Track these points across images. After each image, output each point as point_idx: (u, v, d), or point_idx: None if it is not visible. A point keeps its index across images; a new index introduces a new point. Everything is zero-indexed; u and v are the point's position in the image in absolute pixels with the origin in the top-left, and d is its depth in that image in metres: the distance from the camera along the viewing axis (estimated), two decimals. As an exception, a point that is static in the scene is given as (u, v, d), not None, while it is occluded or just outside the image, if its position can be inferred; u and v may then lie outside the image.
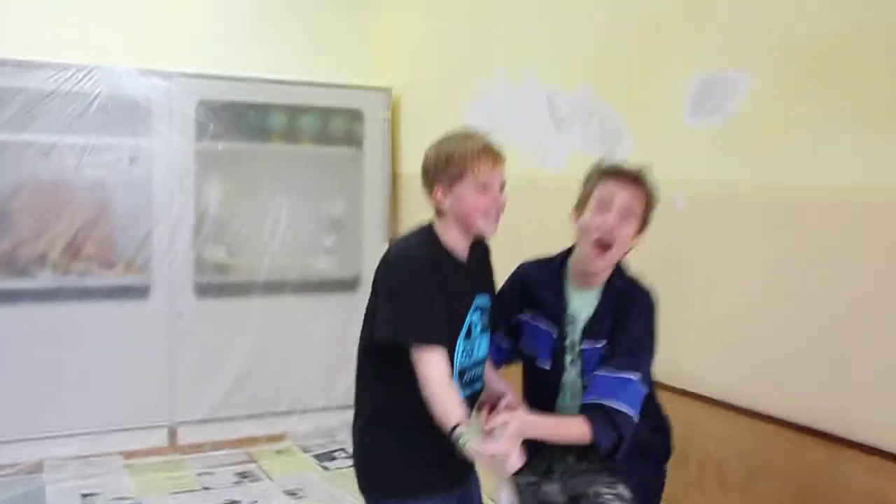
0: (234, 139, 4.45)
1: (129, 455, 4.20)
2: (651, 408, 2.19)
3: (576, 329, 2.14)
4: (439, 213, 2.01)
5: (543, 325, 2.19)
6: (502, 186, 2.01)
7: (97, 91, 4.08)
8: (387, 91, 4.82)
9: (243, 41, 4.74)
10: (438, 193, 1.97)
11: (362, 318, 2.11)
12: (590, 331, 2.12)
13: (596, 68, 3.29)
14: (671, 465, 2.76)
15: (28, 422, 4.01)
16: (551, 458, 2.23)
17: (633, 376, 2.01)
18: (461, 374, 2.02)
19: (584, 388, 2.10)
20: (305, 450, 4.48)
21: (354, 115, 4.78)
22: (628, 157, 3.11)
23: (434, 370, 1.87)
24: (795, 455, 2.41)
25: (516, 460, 1.76)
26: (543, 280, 2.21)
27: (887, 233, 2.20)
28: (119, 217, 4.36)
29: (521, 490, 2.28)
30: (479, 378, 2.12)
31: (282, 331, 4.56)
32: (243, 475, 4.13)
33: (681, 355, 2.83)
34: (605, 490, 2.11)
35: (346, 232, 4.87)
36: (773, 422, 2.49)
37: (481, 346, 2.08)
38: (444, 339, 1.91)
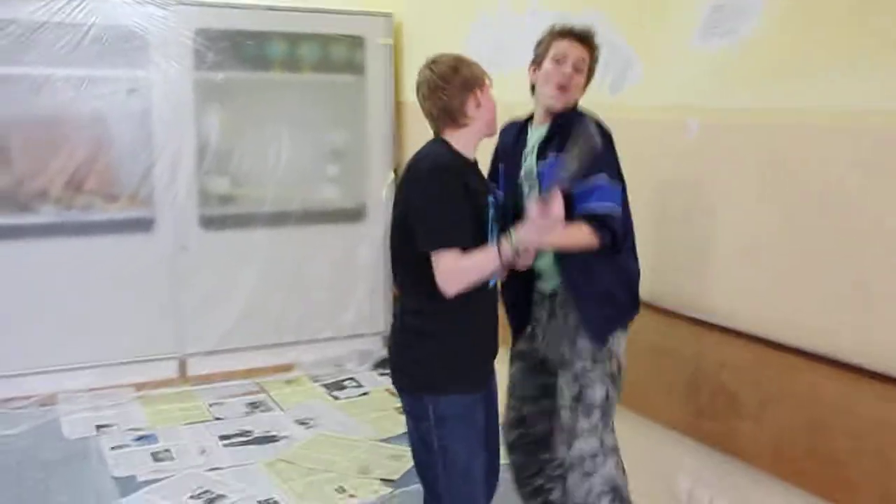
0: (233, 68, 4.37)
1: (140, 387, 4.26)
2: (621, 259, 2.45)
3: (532, 156, 2.48)
4: (455, 126, 2.20)
5: (502, 165, 2.57)
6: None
7: (91, 21, 3.99)
8: (388, 16, 4.72)
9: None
10: (462, 110, 2.19)
11: (390, 232, 2.26)
12: (541, 151, 2.44)
13: (603, -9, 3.20)
14: (683, 394, 2.80)
15: (40, 355, 4.05)
16: (534, 324, 2.59)
17: (600, 177, 2.30)
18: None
19: None
20: (314, 379, 4.54)
21: (355, 42, 4.68)
22: (637, 83, 3.08)
23: (454, 258, 2.08)
24: (808, 383, 2.42)
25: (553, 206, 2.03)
26: (509, 133, 2.59)
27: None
28: (120, 150, 4.31)
29: (520, 354, 2.66)
30: None
31: (287, 261, 4.56)
32: (254, 405, 4.19)
33: (691, 282, 2.83)
34: (567, 349, 2.46)
35: (350, 161, 4.82)
36: (786, 350, 2.49)
37: (495, 236, 2.24)
38: (468, 242, 2.11)
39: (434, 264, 2.08)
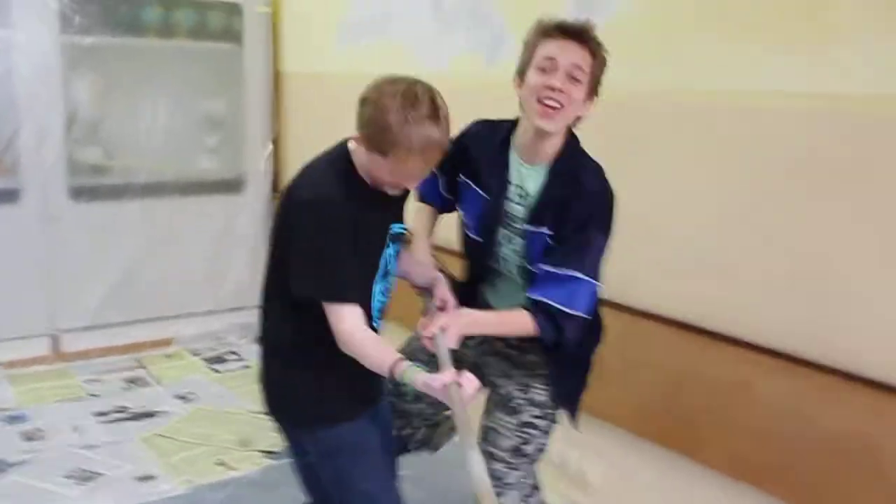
0: (103, 33, 4.19)
1: (9, 365, 4.09)
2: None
3: (520, 207, 2.03)
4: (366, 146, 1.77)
5: (478, 194, 2.08)
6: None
7: (-56, -23, 3.76)
8: (266, -17, 4.64)
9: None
10: (356, 137, 1.79)
11: (269, 239, 1.94)
12: (534, 214, 1.99)
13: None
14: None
15: None
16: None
17: (578, 273, 1.92)
18: (381, 311, 1.96)
19: (526, 270, 2.04)
20: (195, 353, 4.48)
21: (233, 10, 4.57)
22: (512, 58, 3.15)
23: (350, 325, 1.78)
24: (668, 348, 2.58)
25: (471, 383, 1.69)
26: (486, 147, 2.08)
27: (774, 138, 2.32)
28: (-20, 116, 4.10)
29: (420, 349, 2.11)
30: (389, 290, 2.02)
31: (165, 233, 4.46)
32: (132, 381, 4.11)
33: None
34: (517, 393, 2.14)
35: (228, 131, 4.73)
36: (648, 317, 2.64)
37: (387, 281, 1.97)
38: (357, 295, 1.82)
39: (329, 316, 1.79)
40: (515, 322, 1.98)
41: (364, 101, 1.75)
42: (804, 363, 2.22)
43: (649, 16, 2.59)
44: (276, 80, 4.76)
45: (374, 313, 1.92)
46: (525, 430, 2.13)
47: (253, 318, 4.73)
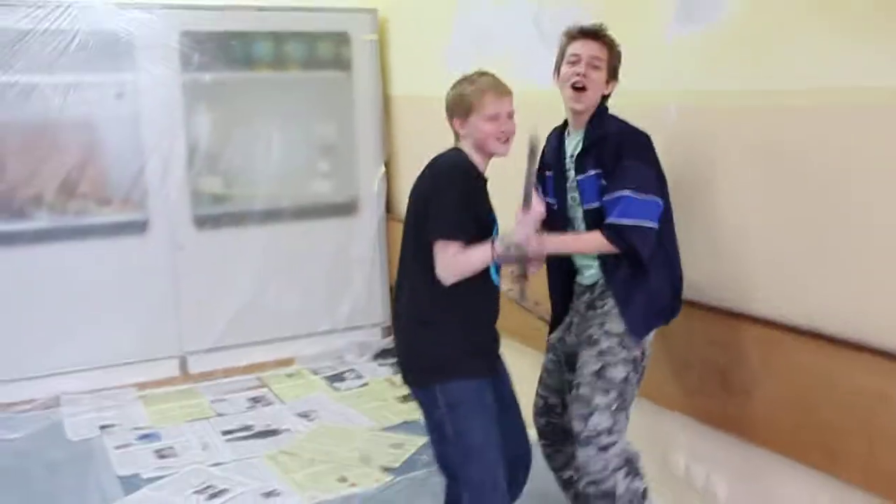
0: (220, 69, 4.41)
1: (142, 386, 4.31)
2: (664, 258, 2.47)
3: (572, 166, 2.52)
4: (457, 138, 2.38)
5: (549, 173, 2.60)
6: (510, 115, 2.34)
7: (76, 27, 4.03)
8: (372, 12, 4.75)
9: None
10: (457, 125, 2.35)
11: (403, 228, 2.41)
12: (579, 162, 2.48)
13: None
14: (673, 372, 2.84)
15: (41, 359, 4.10)
16: (572, 315, 2.65)
17: (625, 192, 2.34)
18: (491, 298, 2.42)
19: (588, 214, 2.48)
20: (315, 372, 4.58)
21: (341, 39, 4.72)
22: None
23: (452, 251, 2.23)
24: (796, 358, 2.46)
25: (537, 203, 2.32)
26: (551, 139, 2.63)
27: (881, 135, 2.21)
28: (111, 154, 4.36)
29: (552, 346, 2.72)
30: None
31: (282, 257, 4.61)
32: (256, 400, 4.24)
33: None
34: (595, 329, 2.49)
35: (341, 156, 4.86)
36: (773, 326, 2.53)
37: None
38: (468, 239, 2.25)
39: (435, 253, 2.24)
40: (588, 239, 2.43)
41: (446, 106, 2.39)
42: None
43: (755, 19, 2.52)
44: (386, 103, 4.85)
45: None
46: (604, 356, 2.45)
47: (371, 336, 4.90)
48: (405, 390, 2.43)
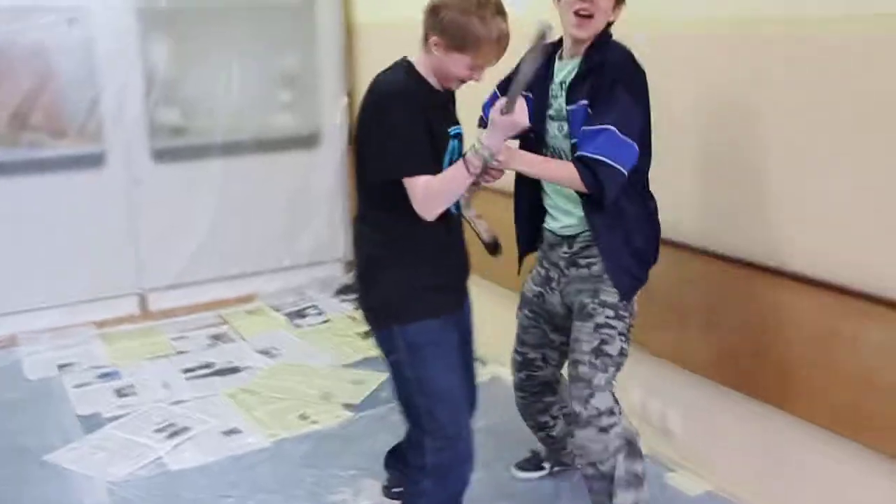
0: (177, -5, 4.24)
1: (101, 325, 4.25)
2: (648, 212, 2.33)
3: (561, 98, 2.28)
4: (424, 50, 2.11)
5: (529, 98, 2.23)
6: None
7: (26, -51, 3.84)
8: (335, -66, 4.57)
9: None
10: (434, 45, 2.06)
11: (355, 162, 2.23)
12: (570, 91, 2.25)
13: None
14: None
15: (-3, 298, 4.02)
16: (548, 267, 2.46)
17: (608, 126, 2.11)
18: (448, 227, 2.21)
19: (573, 148, 2.23)
20: (276, 309, 4.55)
21: (303, -37, 4.55)
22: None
23: (424, 181, 2.03)
24: (752, 293, 2.46)
25: (521, 109, 2.02)
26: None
27: (856, 66, 2.16)
28: (64, 83, 4.19)
29: (528, 300, 2.53)
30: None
31: (244, 191, 4.52)
32: (216, 337, 4.20)
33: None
34: (588, 300, 2.31)
35: (303, 87, 4.73)
36: (728, 261, 2.53)
37: None
38: (431, 170, 2.07)
39: (409, 191, 2.04)
40: (559, 167, 2.22)
41: (437, 9, 2.04)
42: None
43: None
44: (349, 32, 4.71)
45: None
46: (602, 330, 2.28)
47: (333, 271, 4.86)
48: (367, 326, 2.31)
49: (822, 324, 2.27)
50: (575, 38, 2.24)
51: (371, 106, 2.12)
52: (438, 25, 2.03)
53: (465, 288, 2.34)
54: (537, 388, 2.63)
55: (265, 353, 3.97)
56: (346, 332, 4.19)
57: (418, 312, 2.17)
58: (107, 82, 4.15)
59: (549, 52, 2.28)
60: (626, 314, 2.31)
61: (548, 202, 2.41)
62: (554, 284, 2.44)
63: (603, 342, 2.28)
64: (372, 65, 4.65)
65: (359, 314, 2.43)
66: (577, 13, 2.18)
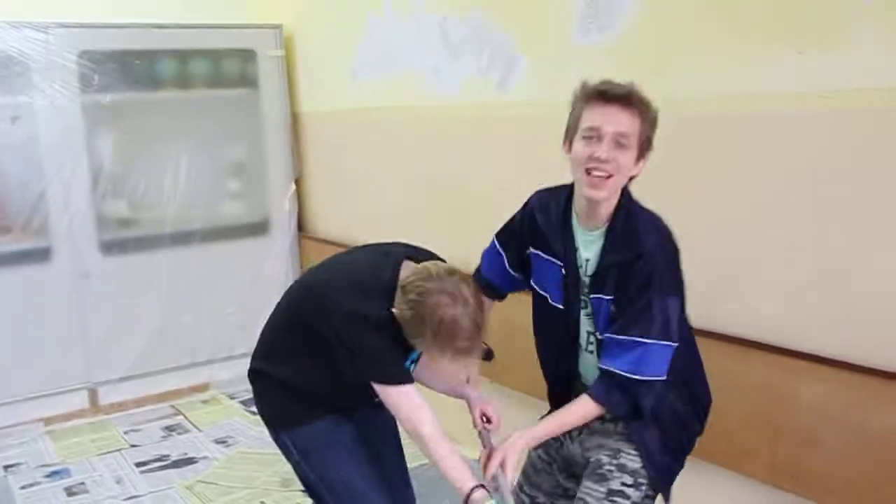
0: (122, 90, 4.29)
1: (49, 421, 4.14)
2: (682, 376, 1.98)
3: (586, 271, 1.97)
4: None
5: (552, 262, 2.02)
6: None
7: (-32, 49, 3.87)
8: (277, 28, 4.70)
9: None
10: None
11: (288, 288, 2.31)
12: (595, 282, 1.94)
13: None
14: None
15: (-60, 397, 3.91)
16: None
17: (644, 338, 1.85)
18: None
19: (594, 334, 1.99)
20: (231, 397, 4.49)
21: (247, 56, 4.66)
22: (523, 80, 3.15)
23: (423, 415, 1.96)
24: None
25: (519, 445, 1.91)
26: (551, 216, 2.03)
27: (783, 139, 2.30)
28: (8, 180, 4.17)
29: (545, 442, 2.09)
30: None
31: (194, 280, 4.51)
32: (170, 429, 4.13)
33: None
34: (606, 459, 1.99)
35: (251, 175, 4.79)
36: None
37: None
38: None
39: (394, 396, 1.98)
40: (576, 412, 1.94)
41: (414, 305, 1.92)
42: (844, 365, 2.17)
43: (656, 28, 2.59)
44: (294, 120, 4.81)
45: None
46: (613, 498, 1.95)
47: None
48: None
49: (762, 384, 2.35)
50: (589, 200, 1.89)
51: (339, 322, 2.00)
52: (411, 323, 1.95)
53: (363, 402, 2.21)
54: None
55: (221, 442, 3.91)
56: (302, 417, 4.14)
57: (301, 416, 2.14)
58: (52, 177, 4.15)
59: (562, 207, 2.00)
60: (645, 484, 1.96)
61: (584, 368, 2.09)
62: (575, 433, 2.09)
63: None
64: (317, 151, 4.78)
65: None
66: (590, 173, 1.84)
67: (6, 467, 3.72)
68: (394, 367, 2.00)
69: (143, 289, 4.37)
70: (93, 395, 4.30)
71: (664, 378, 1.88)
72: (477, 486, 1.86)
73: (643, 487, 1.96)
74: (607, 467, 1.97)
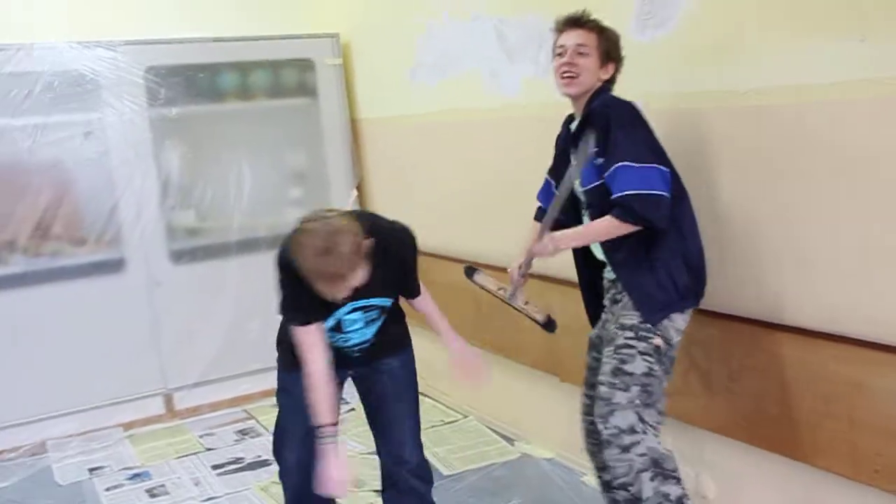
0: (187, 103, 4.44)
1: (128, 426, 4.30)
2: (672, 233, 2.40)
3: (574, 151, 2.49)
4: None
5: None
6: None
7: (41, 69, 4.04)
8: (334, 37, 4.79)
9: (184, 2, 4.66)
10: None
11: None
12: (573, 142, 2.48)
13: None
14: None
15: (25, 405, 4.08)
16: (606, 311, 2.62)
17: (622, 163, 2.30)
18: (337, 349, 2.54)
19: (590, 194, 2.47)
20: (300, 400, 4.57)
21: (305, 65, 4.76)
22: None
23: (313, 355, 2.42)
24: (773, 353, 2.52)
25: (550, 248, 2.43)
26: (564, 123, 2.67)
27: (839, 131, 2.28)
28: (82, 194, 4.34)
29: (593, 344, 2.67)
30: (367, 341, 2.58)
31: (262, 286, 4.57)
32: (244, 432, 4.24)
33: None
34: (613, 327, 2.46)
35: (312, 183, 4.89)
36: (747, 322, 2.59)
37: (364, 334, 2.54)
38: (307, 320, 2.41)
39: (298, 335, 2.44)
40: (599, 225, 2.39)
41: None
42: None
43: (712, 21, 2.58)
44: (353, 127, 4.89)
45: (350, 352, 2.56)
46: (620, 351, 2.39)
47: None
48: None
49: (840, 376, 2.33)
50: (568, 97, 2.51)
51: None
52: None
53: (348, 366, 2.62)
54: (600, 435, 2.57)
55: (293, 444, 3.99)
56: (370, 419, 4.20)
57: (281, 364, 2.64)
58: (124, 190, 4.30)
59: (568, 117, 2.61)
60: (648, 334, 2.38)
61: (600, 256, 2.57)
62: (607, 325, 2.56)
63: (622, 361, 2.37)
64: (376, 157, 4.84)
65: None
66: (561, 76, 2.47)
67: (91, 470, 3.87)
68: (294, 309, 2.42)
69: (213, 296, 4.49)
70: (168, 400, 4.44)
71: (659, 193, 2.29)
72: (328, 425, 2.35)
73: (645, 337, 2.38)
74: (613, 331, 2.45)
